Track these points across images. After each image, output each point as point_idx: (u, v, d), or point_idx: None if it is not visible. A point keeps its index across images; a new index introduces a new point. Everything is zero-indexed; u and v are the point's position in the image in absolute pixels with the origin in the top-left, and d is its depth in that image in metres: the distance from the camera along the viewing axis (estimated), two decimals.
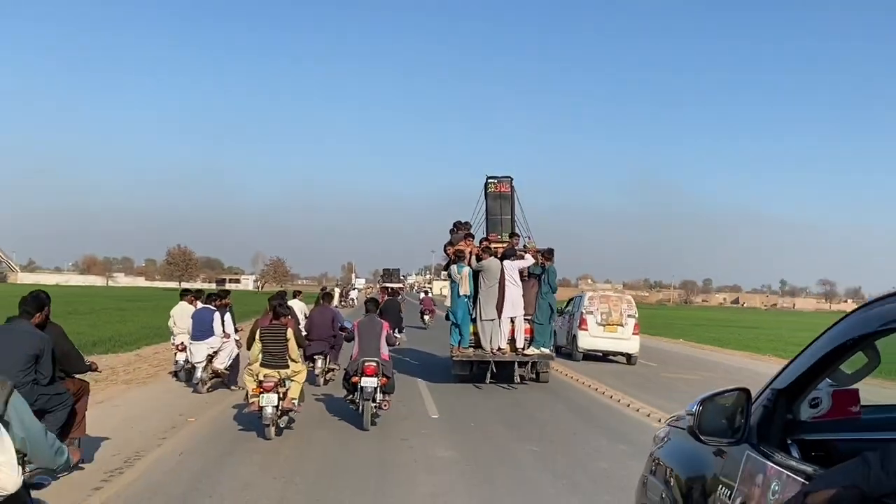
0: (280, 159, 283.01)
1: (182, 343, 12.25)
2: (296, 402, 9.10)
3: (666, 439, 3.86)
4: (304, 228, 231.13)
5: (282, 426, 9.00)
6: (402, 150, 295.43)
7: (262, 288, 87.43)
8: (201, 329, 11.72)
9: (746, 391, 2.89)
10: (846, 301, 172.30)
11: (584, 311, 19.12)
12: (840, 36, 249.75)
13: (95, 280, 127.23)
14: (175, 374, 12.81)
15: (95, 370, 7.32)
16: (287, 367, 9.04)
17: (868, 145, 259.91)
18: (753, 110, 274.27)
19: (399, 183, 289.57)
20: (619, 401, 12.33)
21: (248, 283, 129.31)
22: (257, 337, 9.10)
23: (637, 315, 19.36)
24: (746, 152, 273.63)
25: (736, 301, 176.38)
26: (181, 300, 13.08)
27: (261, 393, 8.72)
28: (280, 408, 8.83)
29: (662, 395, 13.22)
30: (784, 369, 2.87)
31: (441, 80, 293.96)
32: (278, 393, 8.79)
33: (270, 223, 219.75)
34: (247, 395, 9.16)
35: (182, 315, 12.57)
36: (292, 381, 9.12)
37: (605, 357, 19.70)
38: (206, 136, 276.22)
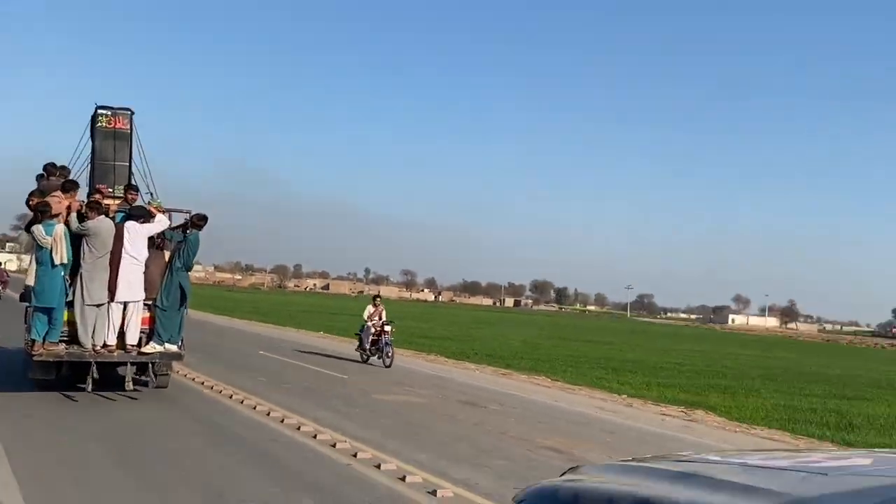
0: None
1: None
2: None
3: None
4: None
5: None
6: None
7: None
8: None
9: None
10: (423, 290, 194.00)
11: None
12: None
13: None
14: None
15: None
16: None
17: (442, 144, 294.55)
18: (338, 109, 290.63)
19: None
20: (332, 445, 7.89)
21: None
22: None
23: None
24: (344, 147, 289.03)
25: (326, 287, 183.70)
26: None
27: None
28: None
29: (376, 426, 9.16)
30: None
31: None
32: None
33: None
34: None
35: None
36: None
37: None
38: None
